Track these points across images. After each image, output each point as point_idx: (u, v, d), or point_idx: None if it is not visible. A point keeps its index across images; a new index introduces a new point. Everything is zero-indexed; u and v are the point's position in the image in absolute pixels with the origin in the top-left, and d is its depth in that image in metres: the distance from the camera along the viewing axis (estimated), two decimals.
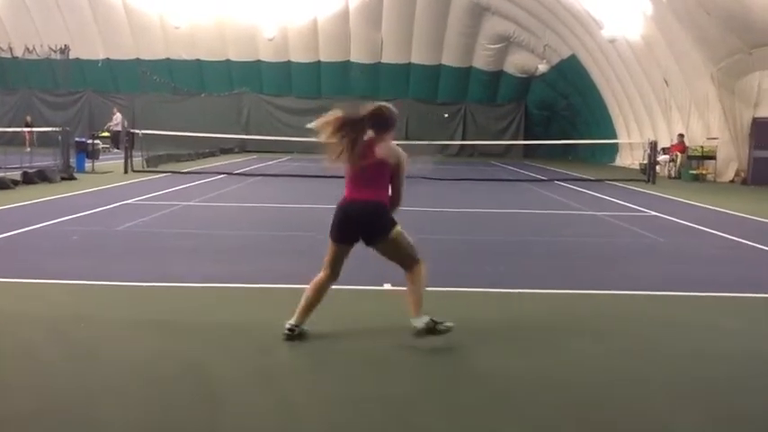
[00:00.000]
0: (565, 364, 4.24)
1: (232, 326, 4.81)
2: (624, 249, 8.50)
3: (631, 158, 26.11)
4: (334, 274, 4.65)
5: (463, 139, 33.09)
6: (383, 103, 4.80)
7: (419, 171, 19.01)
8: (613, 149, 28.67)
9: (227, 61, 33.73)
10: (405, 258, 4.60)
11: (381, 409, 3.48)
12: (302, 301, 4.59)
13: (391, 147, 4.68)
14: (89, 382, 3.77)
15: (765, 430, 3.44)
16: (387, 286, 6.06)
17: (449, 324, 4.42)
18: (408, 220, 10.31)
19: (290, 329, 4.48)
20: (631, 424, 3.41)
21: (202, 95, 31.98)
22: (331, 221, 4.64)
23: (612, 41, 23.79)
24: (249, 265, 6.97)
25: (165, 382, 3.76)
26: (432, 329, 4.37)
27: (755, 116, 19.37)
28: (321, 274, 4.65)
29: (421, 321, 4.38)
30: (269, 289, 5.96)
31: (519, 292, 6.08)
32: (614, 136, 28.03)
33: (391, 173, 4.62)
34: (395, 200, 4.67)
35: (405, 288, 4.62)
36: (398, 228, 4.57)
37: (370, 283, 6.09)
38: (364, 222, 4.55)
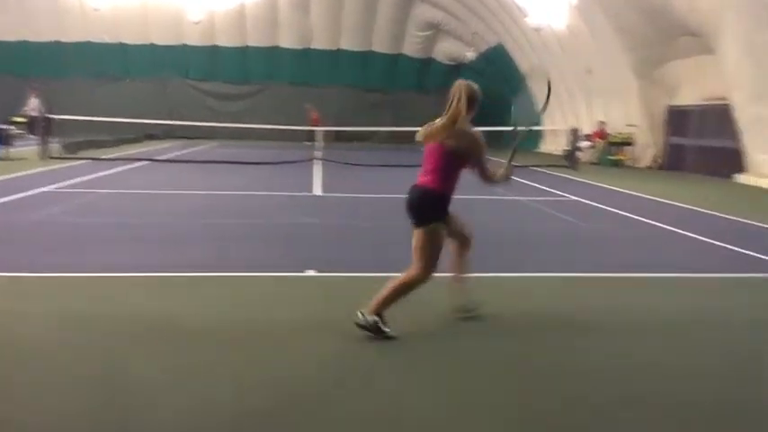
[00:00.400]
0: (471, 347, 4.34)
1: (151, 317, 4.71)
2: (546, 234, 8.74)
3: (555, 145, 26.79)
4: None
5: (392, 126, 33.23)
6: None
7: (344, 157, 19.07)
8: (537, 136, 29.33)
9: (152, 45, 32.73)
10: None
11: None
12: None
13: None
14: (6, 376, 3.64)
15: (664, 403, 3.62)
16: (310, 273, 6.06)
17: (391, 333, 4.32)
18: (340, 206, 10.31)
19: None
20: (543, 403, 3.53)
21: (126, 80, 31.02)
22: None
23: (538, 30, 24.27)
24: (170, 253, 6.83)
25: (82, 377, 3.66)
26: (373, 329, 4.28)
27: (671, 104, 20.18)
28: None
29: (369, 318, 4.28)
30: (192, 278, 5.86)
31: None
32: (538, 122, 28.63)
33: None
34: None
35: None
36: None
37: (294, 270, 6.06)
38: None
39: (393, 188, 13.31)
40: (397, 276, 4.42)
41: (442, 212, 4.50)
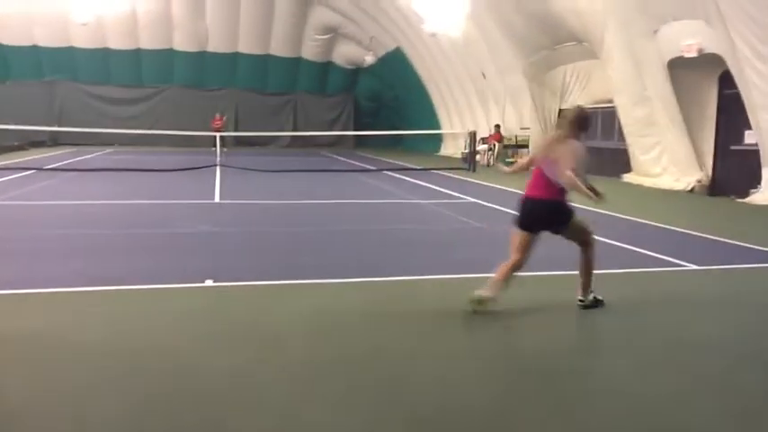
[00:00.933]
0: (380, 347, 4.38)
1: (36, 333, 4.46)
2: (446, 236, 8.90)
3: (454, 148, 27.42)
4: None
5: (294, 130, 33.03)
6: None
7: (245, 163, 18.77)
8: (437, 139, 29.94)
9: (35, 47, 31.07)
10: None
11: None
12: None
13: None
14: None
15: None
16: (208, 282, 5.92)
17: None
18: (235, 213, 10.13)
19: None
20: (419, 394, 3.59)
21: (7, 83, 29.35)
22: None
23: (433, 35, 24.73)
24: (56, 267, 6.50)
25: None
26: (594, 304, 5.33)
27: (561, 107, 21.06)
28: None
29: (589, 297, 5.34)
30: (72, 293, 5.59)
31: (343, 282, 6.17)
32: (438, 126, 29.26)
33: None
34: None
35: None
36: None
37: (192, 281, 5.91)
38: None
39: (294, 194, 13.25)
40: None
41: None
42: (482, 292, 5.09)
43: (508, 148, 22.44)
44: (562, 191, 5.12)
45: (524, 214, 5.23)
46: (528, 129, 21.94)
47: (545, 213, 5.17)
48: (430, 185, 15.13)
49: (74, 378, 3.77)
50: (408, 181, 16.31)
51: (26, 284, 5.74)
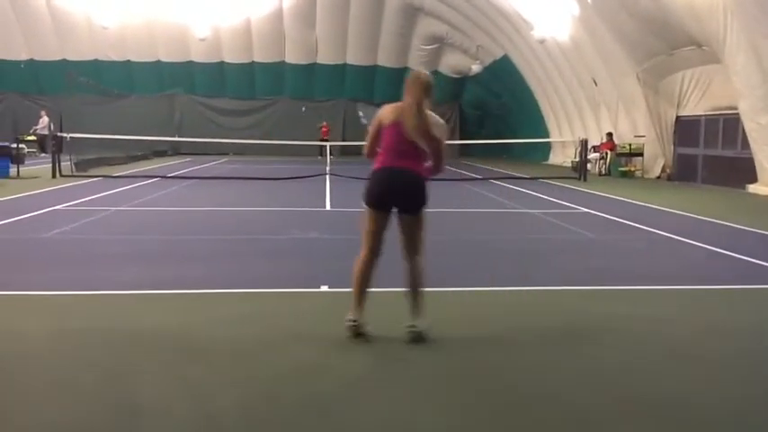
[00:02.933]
0: (497, 360, 4.31)
1: (157, 333, 4.70)
2: (556, 246, 8.70)
3: (563, 156, 26.79)
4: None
5: None
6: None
7: (351, 172, 19.08)
8: (546, 148, 29.35)
9: (158, 62, 32.97)
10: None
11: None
12: (353, 290, 4.56)
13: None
14: (4, 391, 3.63)
15: (662, 410, 3.58)
16: (323, 288, 6.04)
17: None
18: (346, 220, 10.33)
19: (352, 321, 4.50)
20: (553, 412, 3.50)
21: (132, 97, 31.23)
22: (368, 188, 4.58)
23: (542, 42, 24.33)
24: (183, 269, 6.83)
25: (87, 394, 3.65)
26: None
27: (678, 114, 20.15)
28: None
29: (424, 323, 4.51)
30: (200, 294, 5.85)
31: (454, 291, 6.14)
32: (547, 134, 28.69)
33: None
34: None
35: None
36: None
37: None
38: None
39: None
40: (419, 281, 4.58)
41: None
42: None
43: (621, 156, 21.68)
44: (428, 170, 4.59)
45: (393, 188, 4.48)
46: (643, 137, 21.12)
47: (419, 191, 4.49)
48: (539, 195, 14.84)
49: (200, 375, 3.93)
50: (516, 190, 16.07)
51: (155, 285, 6.06)
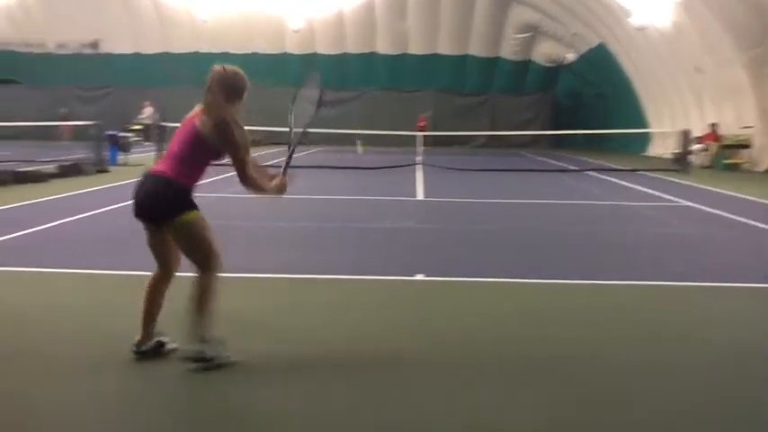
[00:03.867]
0: (591, 352, 4.22)
1: (256, 314, 4.84)
2: (656, 240, 8.40)
3: (663, 148, 25.69)
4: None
5: (490, 130, 32.86)
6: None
7: (444, 162, 18.99)
8: (645, 139, 28.27)
9: (254, 54, 33.84)
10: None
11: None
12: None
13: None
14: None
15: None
16: (419, 276, 6.07)
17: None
18: (438, 210, 10.29)
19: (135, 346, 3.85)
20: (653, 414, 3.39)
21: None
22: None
23: (641, 29, 23.42)
24: (277, 255, 7.01)
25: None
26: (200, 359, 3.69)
27: None
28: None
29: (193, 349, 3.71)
30: (296, 279, 5.99)
31: (551, 283, 6.04)
32: (645, 125, 27.63)
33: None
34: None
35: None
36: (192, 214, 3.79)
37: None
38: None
39: (495, 192, 13.21)
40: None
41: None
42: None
43: (726, 148, 20.62)
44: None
45: None
46: (750, 127, 20.00)
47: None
48: (638, 187, 14.33)
49: (298, 359, 4.03)
50: (614, 182, 15.58)
51: (254, 269, 6.23)
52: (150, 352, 3.86)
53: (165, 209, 3.73)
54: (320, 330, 4.54)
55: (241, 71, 4.01)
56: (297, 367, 3.88)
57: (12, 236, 7.56)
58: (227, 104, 3.83)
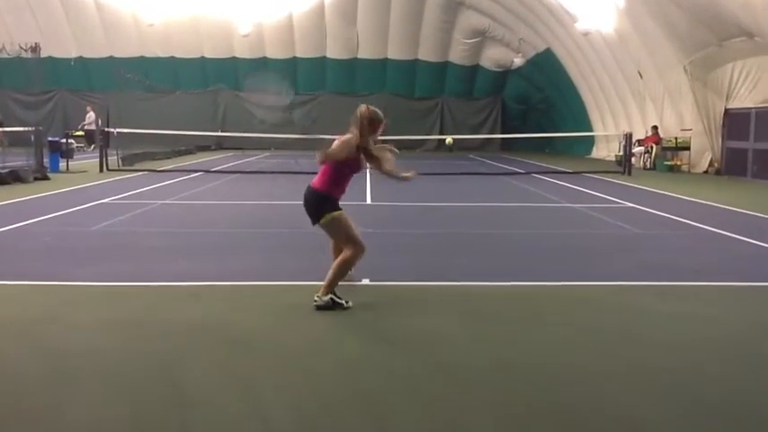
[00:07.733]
0: (533, 353, 4.28)
1: (204, 324, 4.78)
2: (600, 241, 8.58)
3: (607, 150, 26.32)
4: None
5: (441, 134, 33.11)
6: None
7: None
8: (590, 142, 28.89)
9: (202, 58, 33.43)
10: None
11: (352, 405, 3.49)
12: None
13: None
14: (59, 383, 3.73)
15: (725, 417, 3.50)
16: (365, 281, 6.07)
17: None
18: (388, 214, 10.32)
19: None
20: (598, 413, 3.46)
21: (177, 93, 31.68)
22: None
23: (586, 34, 23.94)
24: (224, 262, 6.93)
25: (136, 383, 3.73)
26: (330, 305, 5.14)
27: (727, 107, 19.64)
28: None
29: (324, 298, 5.17)
30: (242, 286, 5.93)
31: (495, 285, 6.11)
32: (590, 128, 28.23)
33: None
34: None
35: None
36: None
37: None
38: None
39: (444, 196, 13.29)
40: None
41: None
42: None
43: (667, 150, 21.22)
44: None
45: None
46: (689, 130, 20.63)
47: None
48: (583, 189, 14.63)
49: (245, 366, 3.99)
50: (560, 185, 15.87)
51: (198, 277, 6.15)
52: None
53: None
54: (269, 334, 4.50)
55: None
56: None
57: None
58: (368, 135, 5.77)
